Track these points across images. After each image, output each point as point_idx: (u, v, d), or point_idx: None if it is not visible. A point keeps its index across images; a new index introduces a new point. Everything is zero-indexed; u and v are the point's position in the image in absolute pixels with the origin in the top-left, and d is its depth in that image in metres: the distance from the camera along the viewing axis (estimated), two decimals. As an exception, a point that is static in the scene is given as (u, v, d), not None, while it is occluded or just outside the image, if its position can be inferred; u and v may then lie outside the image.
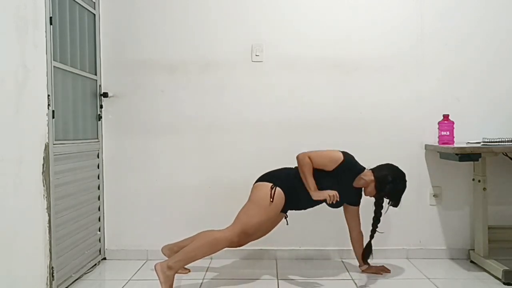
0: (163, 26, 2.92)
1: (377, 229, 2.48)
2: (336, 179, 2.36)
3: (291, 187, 2.38)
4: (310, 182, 2.31)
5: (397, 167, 2.44)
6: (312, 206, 2.46)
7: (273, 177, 2.42)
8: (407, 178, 2.44)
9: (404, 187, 2.42)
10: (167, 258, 2.35)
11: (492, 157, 2.64)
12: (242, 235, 2.31)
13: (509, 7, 2.90)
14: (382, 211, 2.47)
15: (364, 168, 2.45)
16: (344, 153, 2.39)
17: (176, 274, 2.24)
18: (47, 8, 2.17)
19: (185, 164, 2.92)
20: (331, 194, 2.28)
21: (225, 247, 2.31)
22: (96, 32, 2.86)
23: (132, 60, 2.92)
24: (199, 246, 2.26)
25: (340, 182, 2.37)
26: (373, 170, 2.42)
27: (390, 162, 2.47)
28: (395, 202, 2.44)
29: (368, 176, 2.39)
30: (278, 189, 2.34)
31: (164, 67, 2.92)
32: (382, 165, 2.45)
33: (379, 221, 2.48)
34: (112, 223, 2.93)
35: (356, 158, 2.54)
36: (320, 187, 2.33)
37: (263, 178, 2.44)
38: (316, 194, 2.31)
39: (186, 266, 2.45)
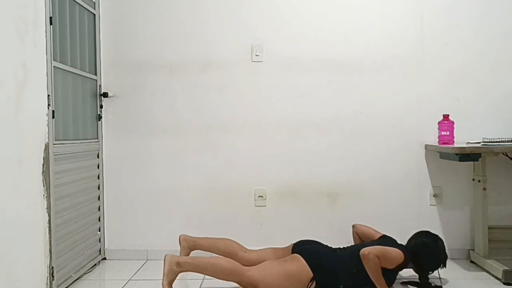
0: (163, 26, 2.92)
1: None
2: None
3: (330, 282, 2.23)
4: (382, 285, 2.20)
5: (436, 239, 2.41)
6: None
7: (319, 264, 2.23)
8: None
9: (444, 259, 2.39)
10: (181, 247, 2.36)
11: (492, 157, 2.64)
12: (251, 287, 2.19)
13: (509, 7, 2.89)
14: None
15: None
16: (404, 253, 2.30)
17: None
18: (47, 8, 2.17)
19: (185, 164, 2.92)
20: None
21: (234, 282, 2.22)
22: (96, 32, 2.86)
23: (132, 60, 2.92)
24: (213, 266, 2.20)
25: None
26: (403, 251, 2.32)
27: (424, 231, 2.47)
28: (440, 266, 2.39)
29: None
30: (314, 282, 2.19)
31: (164, 67, 2.92)
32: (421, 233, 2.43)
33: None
34: (112, 223, 2.93)
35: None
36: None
37: (310, 256, 2.25)
38: None
39: None
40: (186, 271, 2.24)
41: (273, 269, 2.20)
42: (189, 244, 2.45)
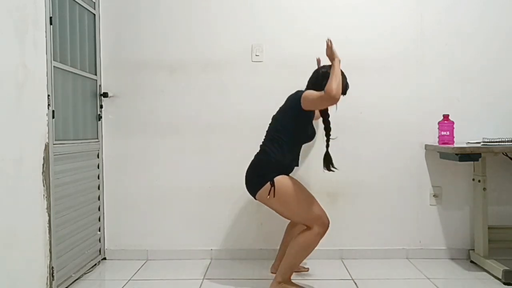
0: (163, 26, 2.92)
1: (330, 137, 2.43)
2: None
3: (280, 167, 2.29)
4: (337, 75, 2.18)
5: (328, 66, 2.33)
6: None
7: (259, 176, 2.29)
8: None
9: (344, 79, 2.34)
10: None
11: (492, 157, 2.64)
12: (322, 221, 2.24)
13: (509, 7, 2.90)
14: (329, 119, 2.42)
15: None
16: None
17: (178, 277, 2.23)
18: (47, 8, 2.17)
19: (185, 164, 2.92)
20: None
21: (319, 242, 2.26)
22: (96, 32, 2.86)
23: (132, 60, 2.92)
24: (295, 254, 2.25)
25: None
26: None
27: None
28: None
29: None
30: (276, 179, 2.23)
31: (164, 67, 2.92)
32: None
33: (330, 128, 2.43)
34: (112, 223, 2.93)
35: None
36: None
37: (253, 183, 2.32)
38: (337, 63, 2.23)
39: (303, 266, 2.53)
40: (289, 277, 2.31)
41: (292, 210, 2.26)
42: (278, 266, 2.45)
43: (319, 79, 2.31)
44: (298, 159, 2.41)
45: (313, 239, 2.22)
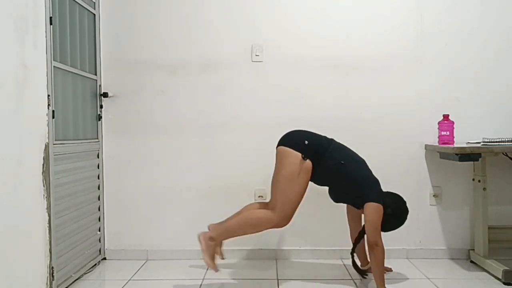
0: (163, 26, 2.92)
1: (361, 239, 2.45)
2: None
3: (321, 159, 2.27)
4: (382, 280, 2.25)
5: (403, 203, 2.37)
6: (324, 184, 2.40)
7: (300, 142, 2.27)
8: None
9: (400, 224, 2.38)
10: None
11: (492, 157, 2.64)
12: (286, 219, 2.25)
13: (509, 6, 2.90)
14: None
15: None
16: (381, 201, 2.28)
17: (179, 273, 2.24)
18: (47, 8, 2.17)
19: (185, 164, 2.92)
20: None
21: (265, 229, 2.28)
22: (96, 32, 2.86)
23: (132, 60, 2.92)
24: (242, 224, 2.27)
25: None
26: None
27: (399, 195, 2.40)
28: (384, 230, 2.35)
29: None
30: (308, 161, 2.23)
31: (164, 67, 2.92)
32: (389, 193, 2.38)
33: (362, 237, 2.44)
34: (112, 223, 2.93)
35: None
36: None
37: (293, 143, 2.27)
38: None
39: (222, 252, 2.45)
40: (222, 240, 2.32)
41: (281, 190, 2.24)
42: (218, 231, 2.40)
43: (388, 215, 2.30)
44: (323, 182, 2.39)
45: (265, 223, 2.24)
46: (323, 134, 2.41)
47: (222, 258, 2.43)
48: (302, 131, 2.40)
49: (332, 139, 2.39)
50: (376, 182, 2.33)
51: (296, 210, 2.29)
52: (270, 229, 2.29)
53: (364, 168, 2.35)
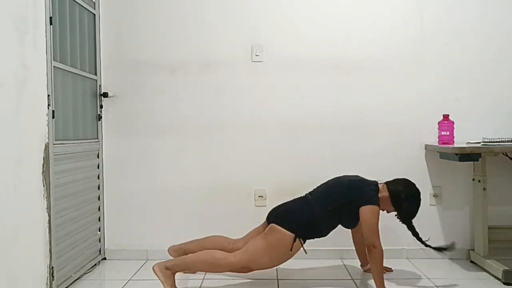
0: (163, 26, 2.91)
1: (424, 240, 2.39)
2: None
3: (313, 232, 2.31)
4: (381, 282, 2.23)
5: (413, 184, 2.38)
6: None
7: (295, 223, 2.26)
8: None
9: (418, 205, 2.37)
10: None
11: (492, 157, 2.64)
12: (245, 269, 2.29)
13: (509, 6, 2.90)
14: (413, 225, 2.39)
15: (376, 183, 2.38)
16: (377, 202, 2.29)
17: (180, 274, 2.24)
18: (47, 8, 2.17)
19: (185, 164, 2.92)
20: None
21: (225, 271, 2.30)
22: (96, 32, 2.86)
23: (132, 60, 2.92)
24: (199, 261, 2.26)
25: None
26: (387, 184, 2.38)
27: (407, 178, 2.41)
28: (406, 220, 2.36)
29: (382, 192, 2.34)
30: (298, 240, 2.26)
31: (164, 67, 2.92)
32: (397, 179, 2.39)
33: (418, 234, 2.39)
34: (112, 223, 2.93)
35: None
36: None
37: (283, 221, 2.27)
38: None
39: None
40: (177, 271, 2.29)
41: (256, 246, 2.25)
42: (179, 254, 2.45)
43: (402, 200, 2.33)
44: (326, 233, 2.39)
45: (224, 266, 2.24)
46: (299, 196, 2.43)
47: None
48: (289, 204, 2.39)
49: (306, 197, 2.40)
50: (361, 187, 2.33)
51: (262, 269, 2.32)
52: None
53: (344, 186, 2.35)
